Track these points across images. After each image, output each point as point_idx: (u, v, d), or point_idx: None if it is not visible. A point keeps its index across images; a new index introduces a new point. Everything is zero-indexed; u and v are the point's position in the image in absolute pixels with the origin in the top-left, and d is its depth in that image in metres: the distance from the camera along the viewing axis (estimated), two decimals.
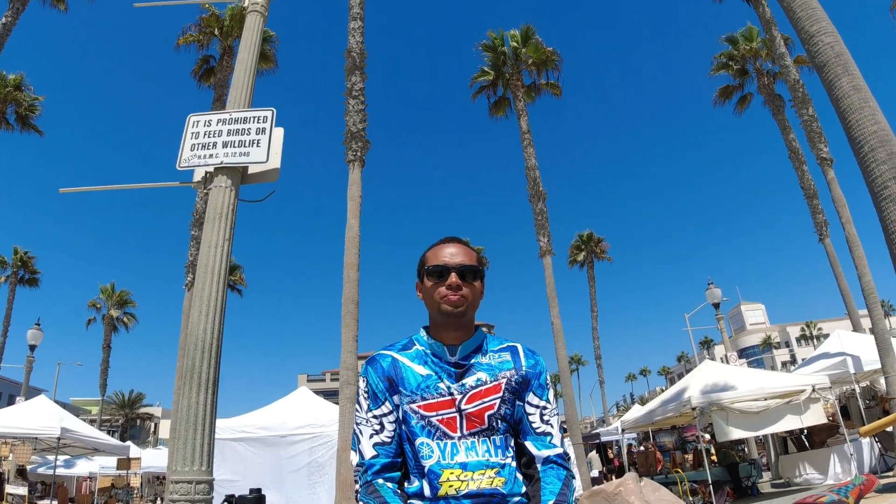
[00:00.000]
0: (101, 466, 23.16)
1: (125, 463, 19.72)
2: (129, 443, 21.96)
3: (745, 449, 18.24)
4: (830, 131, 17.88)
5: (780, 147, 22.91)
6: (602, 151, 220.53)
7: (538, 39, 22.70)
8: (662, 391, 29.85)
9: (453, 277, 1.62)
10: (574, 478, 1.71)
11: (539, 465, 1.62)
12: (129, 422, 60.84)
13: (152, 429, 62.90)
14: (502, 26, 23.63)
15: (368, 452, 1.60)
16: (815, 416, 12.93)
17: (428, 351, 1.67)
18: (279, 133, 4.68)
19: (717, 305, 23.02)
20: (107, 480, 24.33)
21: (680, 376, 59.08)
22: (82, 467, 22.97)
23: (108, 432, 39.37)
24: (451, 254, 1.67)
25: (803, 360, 19.02)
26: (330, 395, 22.62)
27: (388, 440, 1.61)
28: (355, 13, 14.23)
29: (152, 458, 25.76)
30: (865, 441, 13.08)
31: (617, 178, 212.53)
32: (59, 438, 13.05)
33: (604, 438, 28.47)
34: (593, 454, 26.33)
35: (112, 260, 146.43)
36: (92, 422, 37.86)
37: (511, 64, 22.92)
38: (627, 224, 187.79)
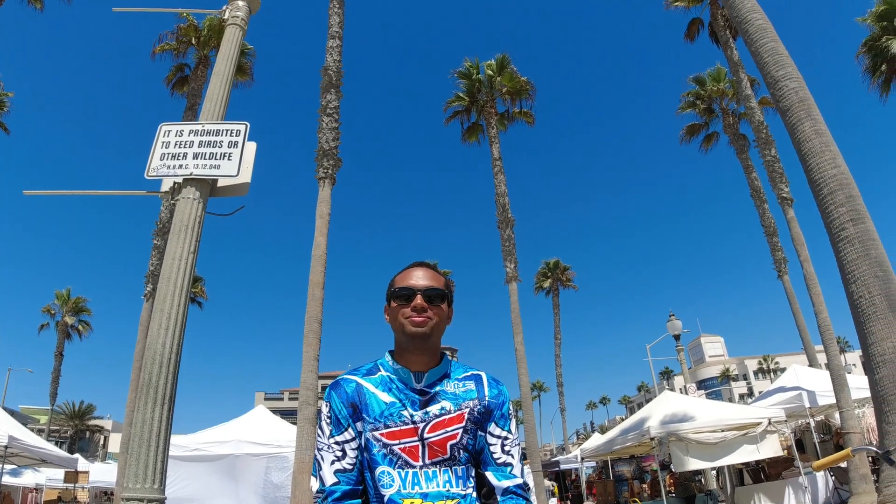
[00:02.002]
0: (47, 478, 22.32)
1: (73, 476, 18.96)
2: (77, 455, 21.08)
3: (703, 480, 18.43)
4: (792, 172, 18.55)
5: (742, 185, 23.60)
6: (571, 181, 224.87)
7: (513, 69, 23.14)
8: (622, 420, 30.05)
9: (419, 299, 1.62)
10: None
11: (499, 496, 1.62)
12: (79, 433, 58.59)
13: (102, 442, 60.66)
14: (478, 54, 24.28)
15: (329, 479, 1.57)
16: (771, 449, 13.16)
17: (393, 377, 1.65)
18: (251, 147, 4.63)
19: (677, 337, 23.40)
20: (53, 493, 23.45)
21: (640, 406, 59.62)
22: (28, 478, 22.10)
23: (57, 443, 37.92)
24: (418, 277, 1.67)
25: (760, 392, 19.41)
26: (287, 414, 22.19)
27: (350, 467, 1.59)
28: (334, 32, 14.29)
29: (101, 473, 24.84)
30: (820, 474, 13.36)
31: (585, 208, 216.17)
32: (5, 447, 12.47)
33: (563, 466, 28.47)
34: (549, 482, 26.26)
35: (70, 265, 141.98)
36: (40, 431, 36.38)
37: (485, 91, 23.27)
38: (593, 253, 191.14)
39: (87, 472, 21.27)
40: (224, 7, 5.49)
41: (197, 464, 12.21)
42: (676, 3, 22.03)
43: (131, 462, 3.70)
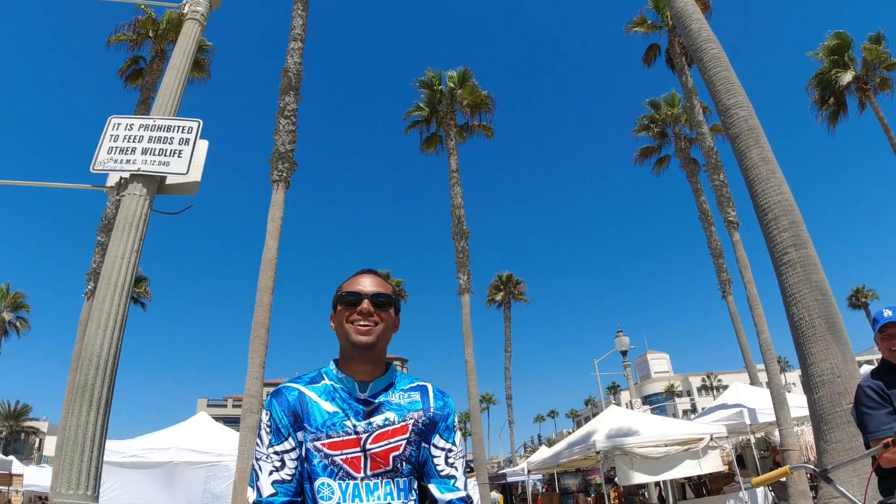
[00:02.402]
0: None
1: (6, 479, 18.11)
2: (11, 457, 20.07)
3: (646, 494, 18.77)
4: (739, 197, 19.29)
5: (692, 208, 24.32)
6: (527, 196, 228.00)
7: (474, 82, 23.34)
8: (569, 433, 30.42)
9: (366, 304, 1.60)
10: None
11: None
12: (13, 435, 55.75)
13: (37, 444, 57.88)
14: (440, 65, 24.26)
15: (266, 490, 1.52)
16: (713, 464, 13.50)
17: (337, 386, 1.61)
18: (203, 146, 4.50)
19: (624, 353, 23.85)
20: None
21: (587, 419, 60.48)
22: None
23: None
24: (365, 283, 1.65)
25: (703, 409, 19.97)
26: (231, 422, 21.60)
27: (289, 478, 1.53)
28: (296, 34, 14.12)
29: (36, 476, 23.69)
30: (760, 490, 13.76)
31: (540, 223, 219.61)
32: None
33: (510, 479, 28.59)
34: (495, 494, 26.29)
35: (9, 260, 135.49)
36: None
37: (446, 103, 23.39)
38: (546, 267, 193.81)
39: (21, 475, 20.37)
40: (184, 1, 5.35)
41: (133, 470, 11.73)
42: (636, 29, 22.68)
43: (64, 467, 3.55)
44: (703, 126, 20.12)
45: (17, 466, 19.30)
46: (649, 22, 22.58)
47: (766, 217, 7.45)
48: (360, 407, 1.58)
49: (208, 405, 67.27)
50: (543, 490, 24.37)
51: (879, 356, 3.10)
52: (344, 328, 1.60)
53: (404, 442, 1.57)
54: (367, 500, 1.50)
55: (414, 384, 1.70)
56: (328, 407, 1.57)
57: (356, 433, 1.54)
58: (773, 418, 14.07)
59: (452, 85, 23.26)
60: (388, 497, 1.53)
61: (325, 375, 1.65)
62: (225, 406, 69.74)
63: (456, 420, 1.71)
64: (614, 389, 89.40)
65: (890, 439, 2.60)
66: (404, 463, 1.57)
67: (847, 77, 21.67)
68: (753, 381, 20.00)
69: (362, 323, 1.58)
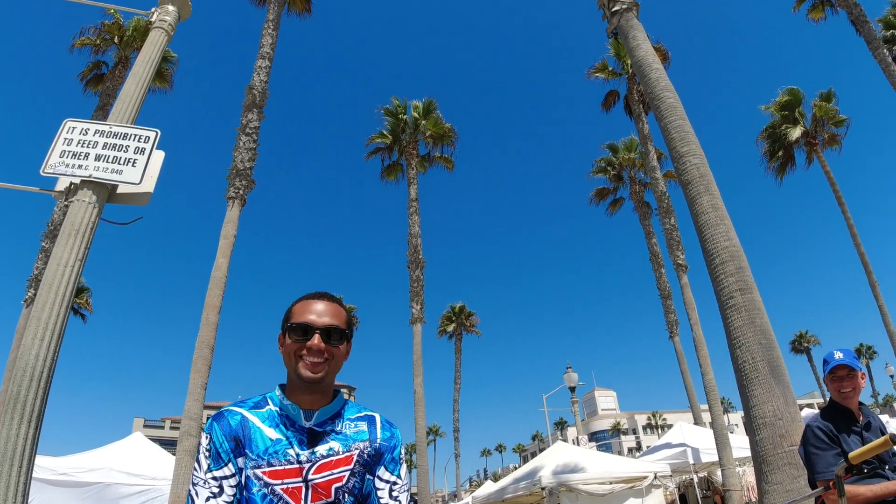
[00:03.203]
0: None
1: None
2: None
3: None
4: (688, 241, 19.93)
5: (643, 249, 24.99)
6: (483, 229, 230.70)
7: (438, 114, 23.68)
8: (516, 468, 30.24)
9: (317, 339, 1.52)
10: None
11: None
12: None
13: None
14: (404, 94, 24.55)
15: None
16: (656, 502, 13.61)
17: (282, 412, 1.56)
18: (159, 156, 4.39)
19: (573, 389, 24.01)
20: None
21: (534, 454, 60.43)
22: None
23: None
24: (318, 312, 1.56)
25: (648, 447, 20.19)
26: (168, 444, 20.76)
27: None
28: (265, 52, 14.10)
29: None
30: None
31: (494, 256, 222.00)
32: None
33: None
34: None
35: None
36: None
37: (409, 132, 23.63)
38: (498, 300, 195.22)
39: None
40: (153, 9, 5.27)
41: (63, 489, 11.09)
42: (597, 74, 23.47)
43: None
44: (657, 171, 20.83)
45: None
46: (610, 69, 23.39)
47: (714, 261, 7.69)
48: (304, 436, 1.53)
49: (145, 425, 64.48)
50: None
51: (820, 400, 3.20)
52: (292, 361, 1.54)
53: (348, 473, 1.53)
54: None
55: (362, 413, 1.66)
56: (271, 434, 1.52)
57: (298, 462, 1.50)
58: (715, 458, 14.34)
59: (417, 115, 23.53)
60: None
61: (269, 401, 1.59)
62: (162, 427, 66.99)
63: (402, 452, 1.67)
64: (561, 425, 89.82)
65: (831, 482, 2.66)
66: (346, 495, 1.52)
67: (796, 132, 22.81)
68: (697, 421, 20.41)
69: (311, 360, 1.52)
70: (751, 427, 6.83)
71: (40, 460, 10.59)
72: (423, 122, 23.43)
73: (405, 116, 23.67)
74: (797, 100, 23.06)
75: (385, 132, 23.98)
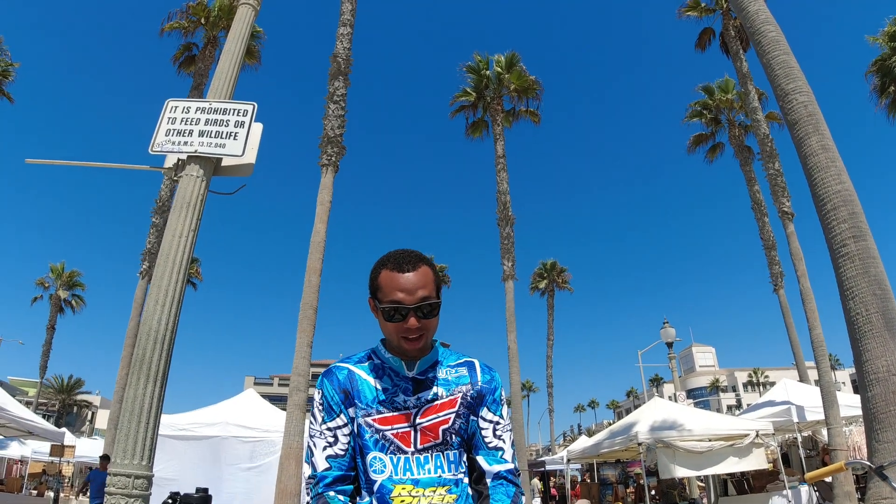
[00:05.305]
0: (33, 451, 22.35)
1: (59, 450, 18.99)
2: (64, 430, 21.13)
3: (687, 488, 18.49)
4: (794, 186, 18.57)
5: (744, 197, 23.52)
6: (574, 183, 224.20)
7: (522, 67, 23.11)
8: (610, 424, 30.14)
9: (412, 321, 1.53)
10: (523, 494, 1.70)
11: (489, 480, 1.62)
12: (66, 408, 58.46)
13: (89, 417, 60.58)
14: (487, 50, 24.03)
15: (321, 465, 1.56)
16: (757, 461, 13.20)
17: (385, 365, 1.64)
18: (258, 128, 4.61)
19: (670, 345, 23.38)
20: (38, 466, 23.49)
21: (628, 411, 59.80)
22: (14, 450, 22.15)
23: (44, 416, 37.85)
24: (408, 287, 1.53)
25: (749, 405, 19.50)
26: (276, 400, 22.22)
27: (342, 452, 1.58)
28: (346, 19, 14.23)
29: (87, 448, 24.80)
30: (804, 489, 13.39)
31: (586, 211, 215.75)
32: None
33: (549, 467, 28.55)
34: (536, 481, 26.31)
35: (66, 238, 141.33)
36: (28, 403, 36.31)
37: (493, 88, 23.25)
38: (591, 255, 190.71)
39: (73, 447, 21.30)
40: None
41: (182, 443, 12.19)
42: (689, 13, 22.01)
43: (120, 438, 3.68)
44: (759, 112, 19.42)
45: (69, 438, 20.30)
46: (703, 5, 21.87)
47: (825, 207, 7.18)
48: (410, 384, 1.61)
49: (255, 383, 69.15)
50: (582, 479, 24.30)
51: None
52: (392, 335, 1.58)
53: (453, 415, 1.60)
54: (418, 473, 1.54)
55: (461, 360, 1.72)
56: (378, 384, 1.61)
57: (406, 409, 1.58)
58: (821, 417, 13.63)
59: (500, 70, 23.09)
60: (439, 470, 1.56)
61: (374, 355, 1.68)
62: (271, 384, 71.55)
63: (503, 394, 1.72)
64: (657, 382, 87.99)
65: None
66: (453, 436, 1.60)
67: None
68: (802, 378, 19.39)
69: (411, 336, 1.55)
70: (862, 383, 6.45)
71: (163, 418, 11.63)
72: (507, 76, 22.98)
73: (488, 72, 23.30)
74: None
75: (468, 89, 23.73)
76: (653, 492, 17.15)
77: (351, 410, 1.60)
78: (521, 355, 19.91)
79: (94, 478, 13.12)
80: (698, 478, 17.87)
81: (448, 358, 1.71)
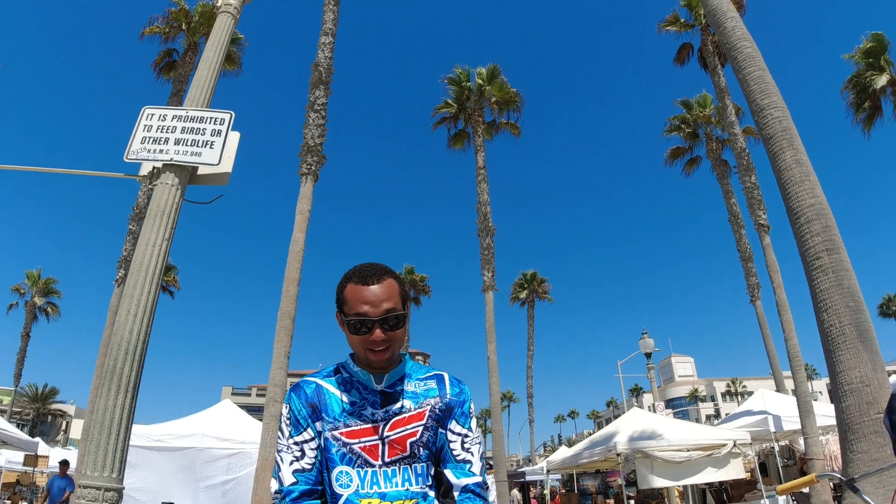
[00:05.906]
0: (6, 460, 21.76)
1: (32, 460, 18.56)
2: (38, 439, 20.63)
3: (666, 498, 18.56)
4: (770, 200, 18.89)
5: (722, 210, 23.86)
6: (553, 194, 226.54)
7: (503, 79, 23.31)
8: (590, 434, 30.19)
9: (377, 333, 1.52)
10: None
11: (456, 494, 1.61)
12: (40, 417, 57.12)
13: (63, 427, 59.33)
14: (469, 62, 24.28)
15: (288, 479, 1.55)
16: (735, 471, 13.30)
17: (354, 378, 1.64)
18: (235, 137, 4.57)
19: (648, 355, 23.55)
20: (12, 476, 22.93)
21: (608, 421, 59.99)
22: None
23: (18, 425, 36.95)
24: (372, 300, 1.52)
25: (727, 415, 19.65)
26: (255, 410, 21.97)
27: (309, 467, 1.57)
28: (328, 28, 14.23)
29: (60, 458, 24.20)
30: (781, 498, 13.52)
31: (565, 222, 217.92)
32: None
33: (529, 478, 28.49)
34: (515, 492, 26.23)
35: (42, 245, 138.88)
36: (2, 412, 35.49)
37: (474, 100, 23.39)
38: (570, 266, 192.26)
39: (46, 457, 20.85)
40: None
41: (157, 454, 11.97)
42: (668, 28, 22.38)
43: (90, 449, 3.61)
44: (736, 127, 19.76)
45: (42, 448, 19.82)
46: (682, 21, 22.30)
47: (799, 220, 7.30)
48: (378, 397, 1.60)
49: (232, 393, 68.33)
50: (561, 490, 24.30)
51: None
52: (358, 348, 1.57)
53: (421, 428, 1.60)
54: (386, 487, 1.53)
55: (430, 373, 1.72)
56: (345, 397, 1.60)
57: (374, 421, 1.57)
58: (798, 426, 13.80)
59: (481, 82, 23.25)
60: (407, 483, 1.55)
61: (342, 369, 1.68)
62: (249, 395, 70.74)
63: (472, 407, 1.72)
64: (637, 392, 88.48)
65: None
66: (421, 448, 1.59)
67: (882, 80, 21.03)
68: (779, 388, 19.65)
69: (377, 349, 1.54)
70: (836, 394, 6.54)
71: (137, 428, 11.42)
72: (488, 88, 23.14)
73: (469, 84, 23.44)
74: (882, 46, 21.12)
75: (450, 101, 23.85)
76: (632, 502, 17.21)
77: (318, 424, 1.59)
78: (501, 365, 19.95)
79: (52, 483, 12.85)
80: (677, 488, 17.96)
81: (417, 371, 1.70)
